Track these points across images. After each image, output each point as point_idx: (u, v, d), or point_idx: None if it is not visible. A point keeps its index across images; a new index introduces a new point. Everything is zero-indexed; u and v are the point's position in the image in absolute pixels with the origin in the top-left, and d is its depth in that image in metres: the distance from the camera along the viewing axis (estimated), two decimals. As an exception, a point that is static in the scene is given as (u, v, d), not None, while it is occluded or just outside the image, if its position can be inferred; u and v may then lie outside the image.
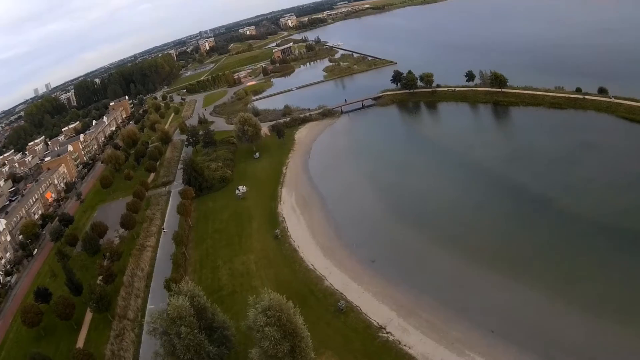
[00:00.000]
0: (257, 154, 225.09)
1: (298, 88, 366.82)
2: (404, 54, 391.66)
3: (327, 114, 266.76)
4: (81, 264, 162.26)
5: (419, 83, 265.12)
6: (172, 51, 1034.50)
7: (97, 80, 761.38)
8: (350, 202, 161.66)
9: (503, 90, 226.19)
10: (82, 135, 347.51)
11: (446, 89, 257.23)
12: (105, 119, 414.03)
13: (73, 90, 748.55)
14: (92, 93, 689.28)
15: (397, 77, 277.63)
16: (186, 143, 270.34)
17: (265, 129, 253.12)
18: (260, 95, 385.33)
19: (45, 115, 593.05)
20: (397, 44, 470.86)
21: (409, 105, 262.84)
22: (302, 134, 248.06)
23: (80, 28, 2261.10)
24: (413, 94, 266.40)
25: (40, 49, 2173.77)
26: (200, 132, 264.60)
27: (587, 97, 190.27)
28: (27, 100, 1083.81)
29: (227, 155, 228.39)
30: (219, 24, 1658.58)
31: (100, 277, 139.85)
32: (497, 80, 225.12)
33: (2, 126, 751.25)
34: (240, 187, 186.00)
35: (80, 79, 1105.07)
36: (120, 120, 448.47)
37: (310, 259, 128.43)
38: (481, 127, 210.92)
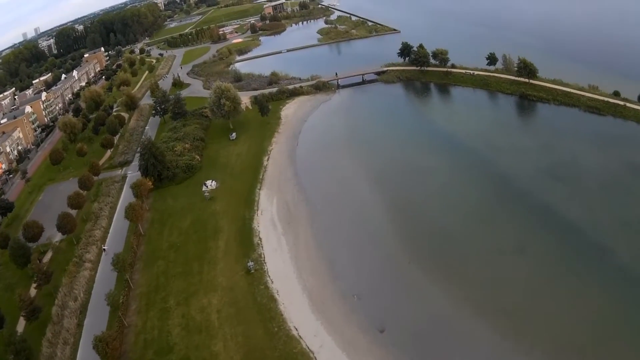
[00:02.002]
0: (234, 134, 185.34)
1: (288, 51, 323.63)
2: (408, 21, 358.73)
3: (321, 87, 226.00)
4: (6, 282, 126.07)
5: (432, 60, 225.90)
6: (160, 0, 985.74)
7: (79, 27, 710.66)
8: (349, 218, 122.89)
9: (532, 81, 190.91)
10: (44, 94, 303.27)
11: (463, 70, 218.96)
12: (75, 72, 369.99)
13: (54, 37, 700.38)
14: (73, 41, 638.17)
15: (405, 51, 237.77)
16: (153, 112, 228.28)
17: (246, 100, 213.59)
18: (245, 56, 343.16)
19: (22, 63, 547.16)
20: (400, 9, 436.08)
21: (417, 85, 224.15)
22: (290, 110, 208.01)
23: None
24: (424, 72, 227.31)
25: None
26: (171, 98, 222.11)
27: (627, 104, 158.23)
28: (15, 44, 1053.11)
29: (198, 134, 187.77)
30: None
31: (22, 313, 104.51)
32: (526, 69, 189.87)
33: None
34: (209, 182, 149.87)
35: (68, 24, 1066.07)
36: (92, 75, 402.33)
37: (294, 317, 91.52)
38: (509, 124, 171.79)
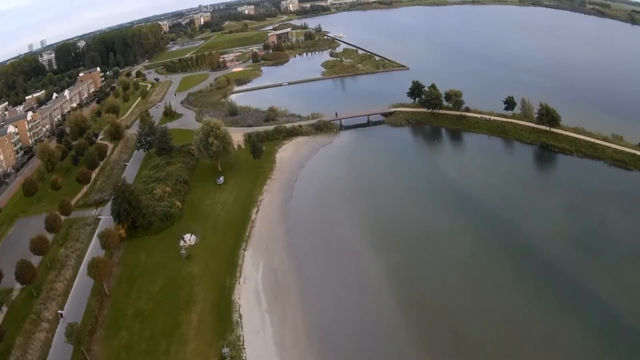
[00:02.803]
0: (222, 178, 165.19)
1: (290, 84, 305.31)
2: (416, 57, 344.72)
3: (322, 127, 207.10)
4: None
5: (444, 102, 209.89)
6: (165, 22, 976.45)
7: (80, 43, 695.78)
8: (347, 297, 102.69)
9: (553, 130, 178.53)
10: (30, 113, 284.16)
11: (478, 115, 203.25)
12: (67, 92, 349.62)
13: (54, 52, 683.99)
14: (73, 58, 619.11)
15: (415, 91, 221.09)
16: (138, 144, 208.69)
17: (239, 137, 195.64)
18: (244, 86, 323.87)
19: (20, 76, 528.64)
20: (408, 45, 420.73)
21: (427, 130, 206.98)
22: (286, 153, 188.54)
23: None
24: (435, 115, 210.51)
25: (42, 3, 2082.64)
26: (157, 130, 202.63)
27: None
28: (20, 55, 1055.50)
29: (182, 175, 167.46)
30: (220, 0, 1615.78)
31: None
32: (548, 116, 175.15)
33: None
34: (187, 236, 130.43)
35: (74, 39, 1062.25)
36: (85, 96, 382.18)
37: None
38: (529, 180, 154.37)
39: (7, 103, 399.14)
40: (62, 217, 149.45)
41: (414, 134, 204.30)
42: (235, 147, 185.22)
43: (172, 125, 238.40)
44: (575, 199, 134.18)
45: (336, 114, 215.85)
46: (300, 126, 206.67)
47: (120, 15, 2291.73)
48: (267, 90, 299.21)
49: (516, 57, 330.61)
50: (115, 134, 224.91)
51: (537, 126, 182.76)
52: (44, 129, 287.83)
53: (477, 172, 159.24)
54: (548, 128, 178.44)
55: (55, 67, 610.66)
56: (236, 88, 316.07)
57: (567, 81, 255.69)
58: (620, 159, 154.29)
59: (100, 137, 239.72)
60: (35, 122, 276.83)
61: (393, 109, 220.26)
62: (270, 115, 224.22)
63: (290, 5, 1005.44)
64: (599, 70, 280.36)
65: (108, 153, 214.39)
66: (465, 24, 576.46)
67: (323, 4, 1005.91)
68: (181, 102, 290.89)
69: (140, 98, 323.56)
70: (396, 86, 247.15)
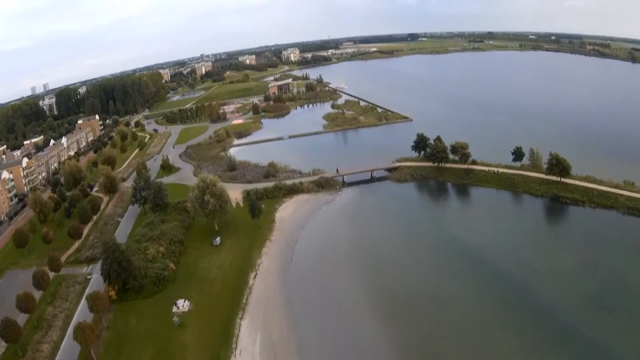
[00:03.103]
0: (218, 239, 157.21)
1: (290, 137, 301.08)
2: (419, 107, 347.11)
3: (324, 184, 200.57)
4: None
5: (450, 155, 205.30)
6: (167, 70, 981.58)
7: (82, 89, 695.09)
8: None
9: (563, 180, 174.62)
10: (25, 159, 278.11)
11: (485, 167, 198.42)
12: (64, 140, 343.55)
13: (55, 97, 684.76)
14: (74, 104, 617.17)
15: (420, 144, 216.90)
16: (132, 199, 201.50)
17: (238, 194, 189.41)
18: (244, 140, 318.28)
19: (20, 119, 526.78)
20: (410, 95, 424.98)
21: (433, 186, 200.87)
22: (286, 212, 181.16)
23: (86, 32, 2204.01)
24: (441, 169, 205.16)
25: (44, 47, 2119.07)
26: (152, 185, 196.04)
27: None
28: (22, 97, 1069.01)
29: (177, 234, 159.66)
30: (222, 49, 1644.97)
31: None
32: (558, 166, 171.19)
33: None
34: (180, 302, 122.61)
35: (77, 85, 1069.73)
36: (84, 144, 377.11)
37: None
38: (542, 235, 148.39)
39: (5, 147, 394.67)
40: (52, 274, 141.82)
41: (419, 190, 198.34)
42: (234, 204, 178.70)
43: (169, 179, 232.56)
44: (590, 254, 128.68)
45: (337, 170, 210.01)
46: (301, 183, 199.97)
47: (123, 63, 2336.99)
48: (267, 144, 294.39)
49: (520, 104, 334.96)
50: (110, 187, 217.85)
51: (546, 177, 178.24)
52: (40, 176, 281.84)
53: (487, 231, 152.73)
54: (558, 178, 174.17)
55: (55, 112, 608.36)
56: (236, 141, 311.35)
57: (572, 127, 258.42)
58: (634, 206, 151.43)
59: (95, 189, 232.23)
60: (31, 169, 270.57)
61: (397, 164, 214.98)
62: (270, 171, 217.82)
63: (292, 55, 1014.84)
64: (604, 114, 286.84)
65: (102, 206, 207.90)
66: (467, 72, 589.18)
67: (324, 54, 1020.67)
68: (179, 155, 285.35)
69: (138, 149, 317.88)
70: (400, 139, 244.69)
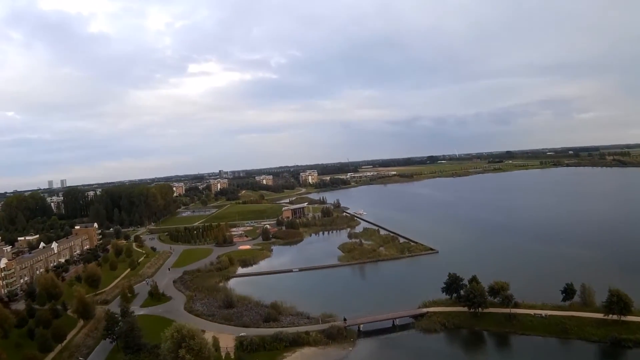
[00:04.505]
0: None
1: (300, 270, 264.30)
2: (444, 235, 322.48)
3: (335, 334, 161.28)
4: None
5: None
6: (182, 184, 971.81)
7: (90, 192, 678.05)
8: None
9: (623, 318, 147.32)
10: (4, 260, 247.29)
11: (530, 311, 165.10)
12: (55, 245, 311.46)
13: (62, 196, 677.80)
14: (81, 206, 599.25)
15: (452, 286, 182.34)
16: (103, 333, 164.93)
17: (229, 342, 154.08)
18: (248, 269, 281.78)
19: (22, 212, 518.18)
20: (433, 222, 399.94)
21: (469, 337, 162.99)
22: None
23: (107, 134, 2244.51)
24: (478, 316, 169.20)
25: (64, 141, 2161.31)
26: (121, 322, 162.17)
27: None
28: (39, 189, 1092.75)
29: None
30: (241, 166, 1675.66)
31: None
32: (620, 303, 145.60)
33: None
34: None
35: (93, 185, 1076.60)
36: (77, 252, 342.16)
37: None
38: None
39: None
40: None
41: (452, 344, 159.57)
42: (223, 354, 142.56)
43: (155, 310, 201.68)
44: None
45: (344, 319, 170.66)
46: (307, 333, 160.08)
47: (142, 170, 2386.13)
48: (274, 277, 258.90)
49: (549, 226, 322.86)
50: (83, 313, 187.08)
51: (604, 317, 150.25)
52: (22, 280, 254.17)
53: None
54: (618, 317, 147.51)
55: (63, 211, 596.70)
56: (240, 269, 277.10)
57: (609, 246, 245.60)
58: None
59: (69, 310, 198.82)
60: (10, 272, 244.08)
61: (424, 309, 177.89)
62: (272, 314, 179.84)
63: (310, 177, 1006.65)
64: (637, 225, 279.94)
65: (74, 332, 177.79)
66: (489, 194, 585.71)
67: (343, 177, 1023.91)
68: (174, 281, 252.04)
69: (129, 269, 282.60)
70: (425, 276, 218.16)
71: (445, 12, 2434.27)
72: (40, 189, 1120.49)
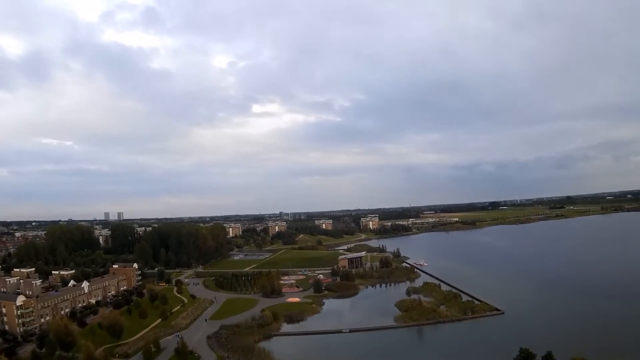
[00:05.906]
0: None
1: (351, 331, 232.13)
2: (511, 293, 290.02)
3: None
4: None
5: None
6: (238, 225, 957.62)
7: (140, 228, 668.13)
8: None
9: None
10: (21, 298, 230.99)
11: None
12: (85, 284, 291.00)
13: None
14: (129, 242, 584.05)
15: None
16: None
17: None
18: (293, 327, 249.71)
19: (65, 243, 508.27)
20: (499, 275, 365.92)
21: None
22: None
23: (168, 169, 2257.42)
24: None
25: (124, 175, 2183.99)
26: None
27: None
28: (95, 220, 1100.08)
29: None
30: (303, 208, 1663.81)
31: None
32: None
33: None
34: None
35: (151, 221, 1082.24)
36: (112, 292, 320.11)
37: None
38: None
39: (32, 270, 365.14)
40: None
41: None
42: None
43: None
44: None
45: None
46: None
47: (202, 207, 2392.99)
48: (321, 337, 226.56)
49: (621, 283, 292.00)
50: None
51: None
52: (43, 320, 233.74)
53: None
54: None
55: (110, 245, 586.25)
56: (283, 327, 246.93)
57: None
58: None
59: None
60: (27, 310, 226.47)
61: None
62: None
63: (370, 223, 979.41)
64: None
65: None
66: (554, 243, 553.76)
67: (404, 223, 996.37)
68: (207, 336, 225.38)
69: (160, 319, 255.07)
70: (490, 344, 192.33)
71: (508, 56, 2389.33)
72: (95, 220, 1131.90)
